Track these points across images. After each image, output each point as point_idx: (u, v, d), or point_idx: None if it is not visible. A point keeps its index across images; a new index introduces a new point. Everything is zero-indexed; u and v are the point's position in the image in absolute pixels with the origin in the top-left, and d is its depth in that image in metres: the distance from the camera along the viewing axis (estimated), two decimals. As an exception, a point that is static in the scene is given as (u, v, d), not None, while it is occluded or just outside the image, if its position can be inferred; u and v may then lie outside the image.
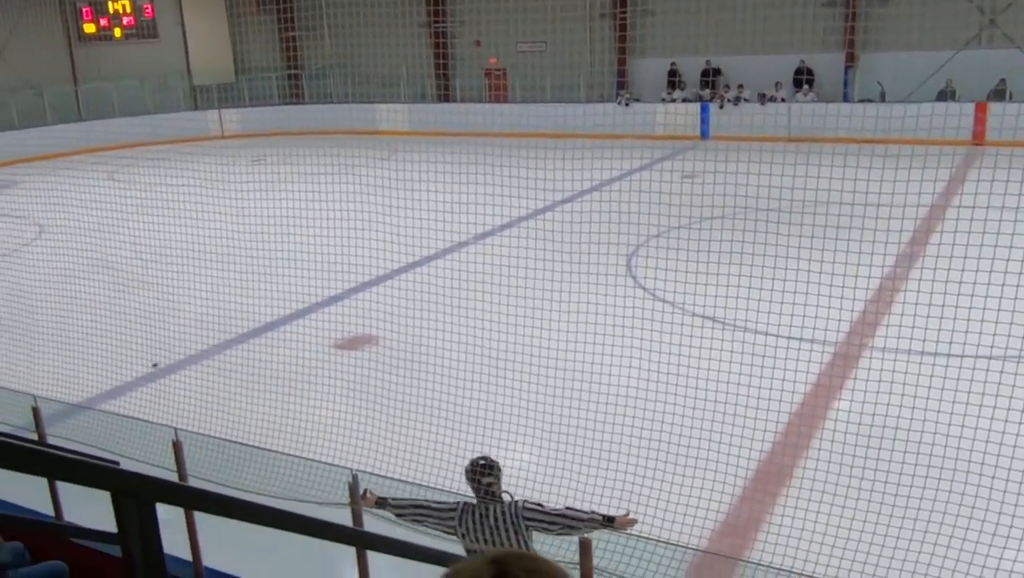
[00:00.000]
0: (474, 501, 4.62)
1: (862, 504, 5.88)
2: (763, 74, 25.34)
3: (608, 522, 4.52)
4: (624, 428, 6.97)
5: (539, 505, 4.57)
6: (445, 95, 30.29)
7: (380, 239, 9.91)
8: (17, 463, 1.89)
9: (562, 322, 8.68)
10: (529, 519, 4.49)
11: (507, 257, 9.20)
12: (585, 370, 7.92)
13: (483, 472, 4.57)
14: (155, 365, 9.79)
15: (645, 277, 11.79)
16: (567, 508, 4.65)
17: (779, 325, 7.33)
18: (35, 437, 6.06)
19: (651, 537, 5.24)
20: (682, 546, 5.61)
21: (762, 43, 24.53)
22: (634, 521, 4.53)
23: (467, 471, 4.67)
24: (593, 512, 4.61)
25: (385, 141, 26.80)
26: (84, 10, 30.07)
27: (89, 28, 30.27)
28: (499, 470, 4.63)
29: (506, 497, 4.59)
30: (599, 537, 4.40)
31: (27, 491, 5.26)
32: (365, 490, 4.89)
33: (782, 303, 7.02)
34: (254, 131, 30.08)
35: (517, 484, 6.53)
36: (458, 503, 4.65)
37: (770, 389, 6.81)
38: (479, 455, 4.80)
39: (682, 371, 7.64)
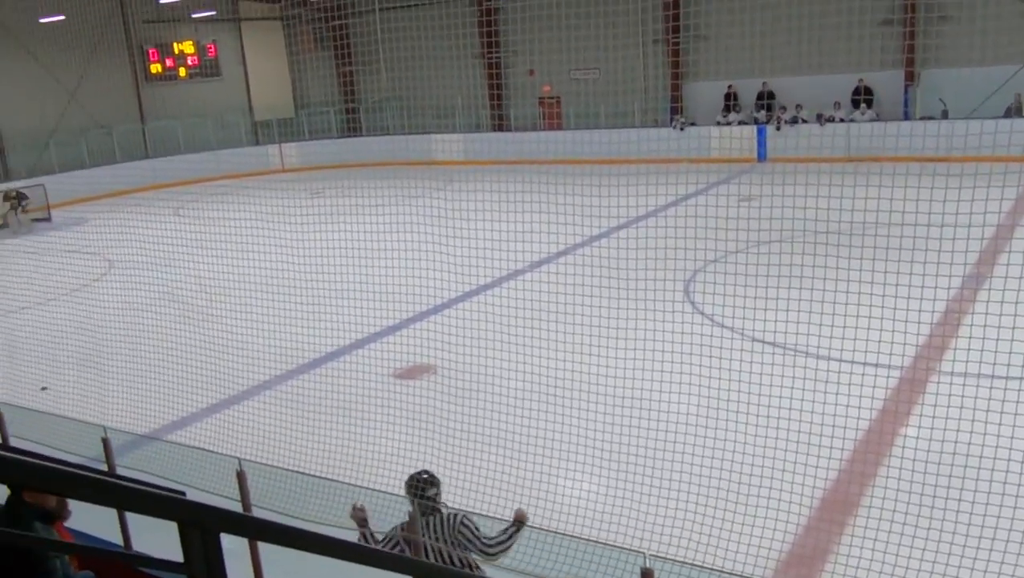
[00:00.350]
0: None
1: (933, 534, 5.69)
2: (821, 94, 25.03)
3: (520, 525, 4.78)
4: (686, 456, 6.88)
5: (475, 528, 4.72)
6: (500, 124, 30.57)
7: (437, 268, 10.01)
8: (89, 494, 1.95)
9: (620, 349, 8.62)
10: (464, 537, 4.66)
11: (564, 284, 9.20)
12: (645, 397, 7.85)
13: (427, 485, 4.76)
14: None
15: (704, 302, 11.67)
16: (498, 533, 4.82)
17: (842, 349, 7.19)
18: (105, 468, 6.21)
19: (716, 568, 5.15)
20: None
21: (819, 63, 24.24)
22: (523, 512, 4.82)
23: (409, 485, 4.82)
24: (509, 531, 4.79)
25: (441, 171, 27.11)
26: (150, 52, 31.21)
27: (155, 68, 31.41)
28: (440, 482, 4.86)
29: (444, 510, 4.78)
30: (660, 568, 4.34)
31: (99, 521, 5.39)
32: (359, 505, 4.98)
33: (844, 327, 6.89)
34: (313, 164, 30.72)
35: (576, 513, 6.50)
36: (395, 527, 4.80)
37: (835, 415, 6.68)
38: (419, 470, 4.97)
39: (743, 397, 7.54)
